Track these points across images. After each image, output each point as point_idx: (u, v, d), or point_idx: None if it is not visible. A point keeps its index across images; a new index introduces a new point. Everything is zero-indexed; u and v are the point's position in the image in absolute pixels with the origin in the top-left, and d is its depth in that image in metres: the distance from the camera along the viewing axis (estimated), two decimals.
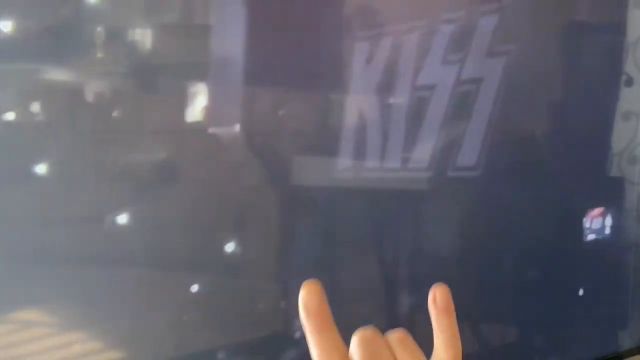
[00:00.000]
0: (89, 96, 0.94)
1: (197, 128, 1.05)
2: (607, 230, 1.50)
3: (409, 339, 0.56)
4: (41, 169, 0.94)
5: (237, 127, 1.08)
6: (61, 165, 0.95)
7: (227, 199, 1.10)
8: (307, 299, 0.54)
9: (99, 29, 0.93)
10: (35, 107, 0.92)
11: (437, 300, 0.55)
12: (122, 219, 0.99)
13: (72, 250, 0.97)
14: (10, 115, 0.90)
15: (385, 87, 1.21)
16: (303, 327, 0.54)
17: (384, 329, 0.56)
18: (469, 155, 1.31)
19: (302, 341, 0.54)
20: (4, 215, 0.92)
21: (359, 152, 1.20)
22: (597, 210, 1.47)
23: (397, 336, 0.57)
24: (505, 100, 1.30)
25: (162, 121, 1.02)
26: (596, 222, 1.48)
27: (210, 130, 1.06)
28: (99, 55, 0.93)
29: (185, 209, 1.04)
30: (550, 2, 1.39)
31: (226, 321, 1.12)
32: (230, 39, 1.04)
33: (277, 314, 1.16)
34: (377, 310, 1.29)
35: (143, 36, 0.98)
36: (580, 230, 1.47)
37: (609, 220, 1.50)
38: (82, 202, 0.97)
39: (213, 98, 1.04)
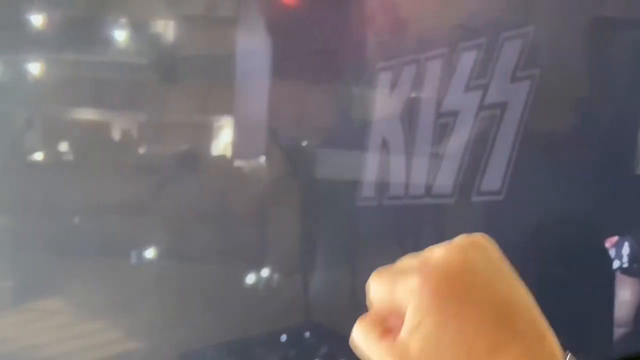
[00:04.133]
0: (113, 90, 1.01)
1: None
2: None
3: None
4: (65, 160, 1.02)
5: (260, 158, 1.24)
6: (87, 157, 1.04)
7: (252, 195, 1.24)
8: None
9: (123, 21, 1.00)
10: (65, 100, 0.98)
11: None
12: (143, 211, 1.04)
13: (90, 241, 1.03)
14: (38, 109, 0.98)
15: (409, 114, 1.34)
16: None
17: None
18: (493, 179, 1.27)
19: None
20: (26, 206, 0.98)
21: (383, 180, 1.31)
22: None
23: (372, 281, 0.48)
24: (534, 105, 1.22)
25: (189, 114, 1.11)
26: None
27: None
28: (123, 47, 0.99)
29: (208, 202, 1.18)
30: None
31: (245, 313, 1.18)
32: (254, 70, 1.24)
33: (298, 306, 1.27)
34: None
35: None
36: (603, 231, 1.25)
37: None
38: (103, 193, 1.04)
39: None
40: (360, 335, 0.47)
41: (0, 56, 0.93)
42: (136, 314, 1.04)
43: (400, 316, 0.45)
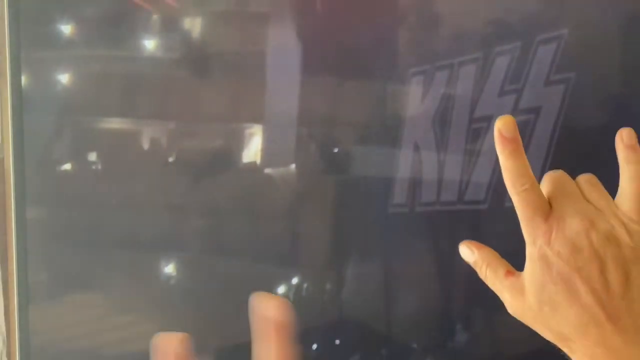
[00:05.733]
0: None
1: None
2: None
3: (595, 179, 0.60)
4: (97, 159, 1.04)
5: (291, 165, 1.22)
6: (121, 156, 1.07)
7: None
8: (503, 127, 0.57)
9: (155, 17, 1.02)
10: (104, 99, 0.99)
11: (624, 138, 0.58)
12: (177, 207, 1.07)
13: (124, 236, 1.06)
14: (67, 109, 1.01)
15: (442, 120, 1.32)
16: (498, 154, 0.57)
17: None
18: None
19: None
20: (62, 202, 1.01)
21: (415, 186, 1.30)
22: None
23: (585, 177, 0.61)
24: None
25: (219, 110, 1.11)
26: None
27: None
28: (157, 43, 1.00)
29: (240, 197, 1.20)
30: None
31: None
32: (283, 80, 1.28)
33: (331, 302, 1.27)
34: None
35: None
36: None
37: None
38: (137, 191, 1.07)
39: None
40: (490, 272, 0.63)
41: (36, 52, 0.93)
42: (170, 309, 1.06)
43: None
